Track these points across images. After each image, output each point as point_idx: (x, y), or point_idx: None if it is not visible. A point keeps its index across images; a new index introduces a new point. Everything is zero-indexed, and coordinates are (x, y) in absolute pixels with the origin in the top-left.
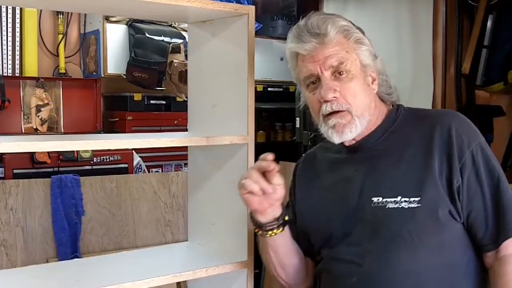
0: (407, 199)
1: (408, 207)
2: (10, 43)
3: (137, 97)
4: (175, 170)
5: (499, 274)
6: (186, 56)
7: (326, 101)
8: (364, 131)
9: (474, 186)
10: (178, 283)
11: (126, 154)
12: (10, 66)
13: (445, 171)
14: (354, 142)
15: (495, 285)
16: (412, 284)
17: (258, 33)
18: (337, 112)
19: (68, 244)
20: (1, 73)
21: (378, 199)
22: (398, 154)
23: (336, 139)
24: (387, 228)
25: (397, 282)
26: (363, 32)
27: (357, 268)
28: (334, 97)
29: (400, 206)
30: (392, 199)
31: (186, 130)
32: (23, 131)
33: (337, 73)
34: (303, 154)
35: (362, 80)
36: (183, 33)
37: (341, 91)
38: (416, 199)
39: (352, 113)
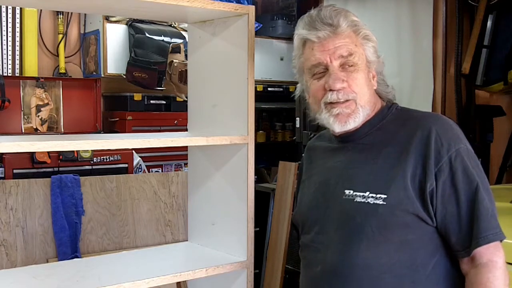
0: (374, 195)
1: (374, 203)
2: (10, 43)
3: (137, 97)
4: (175, 170)
5: (474, 282)
6: (186, 56)
7: (332, 90)
8: (360, 123)
9: (449, 192)
10: (178, 283)
11: (126, 154)
12: (10, 66)
13: (418, 174)
14: (345, 131)
15: None
16: (372, 278)
17: (258, 33)
18: (342, 102)
19: (68, 244)
20: (1, 73)
21: (349, 192)
22: (378, 151)
23: (337, 128)
24: (353, 220)
25: (357, 274)
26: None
27: (322, 257)
28: (342, 87)
29: (367, 201)
30: (361, 194)
31: (186, 130)
32: (23, 131)
33: (345, 65)
34: (306, 146)
35: (366, 74)
36: (183, 33)
37: (348, 81)
38: (383, 196)
39: (357, 102)
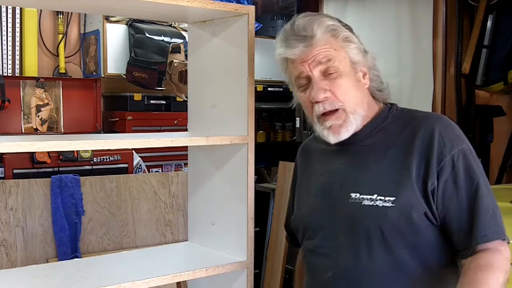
0: (382, 197)
1: (383, 205)
2: (10, 43)
3: (137, 97)
4: (175, 170)
5: (473, 261)
6: (186, 56)
7: (317, 102)
8: (355, 130)
9: (450, 191)
10: (178, 283)
11: (126, 154)
12: (10, 66)
13: (422, 173)
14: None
15: (463, 273)
16: (386, 281)
17: (258, 33)
18: (332, 112)
19: (68, 244)
20: (1, 73)
21: (356, 195)
22: (381, 152)
23: (332, 140)
24: (362, 224)
25: (370, 278)
26: (351, 29)
27: (332, 262)
28: (325, 97)
29: (375, 204)
30: (369, 196)
31: (186, 130)
32: (23, 131)
33: (327, 72)
34: (300, 146)
35: (352, 77)
36: (183, 33)
37: (331, 90)
38: (391, 198)
39: (346, 110)
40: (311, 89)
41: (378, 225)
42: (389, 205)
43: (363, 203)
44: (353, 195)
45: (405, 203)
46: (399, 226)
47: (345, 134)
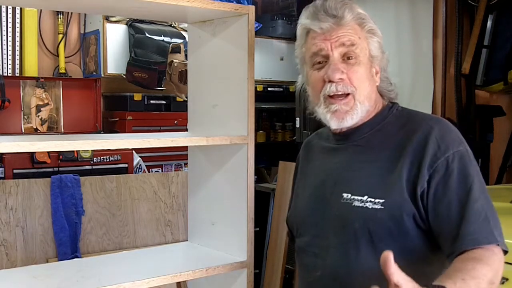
0: (372, 199)
1: (372, 207)
2: (10, 43)
3: (137, 97)
4: (175, 170)
5: (463, 256)
6: (186, 56)
7: (331, 82)
8: (358, 120)
9: (441, 192)
10: (178, 283)
11: (126, 154)
12: (10, 66)
13: (413, 175)
14: (344, 129)
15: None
16: (373, 283)
17: (258, 33)
18: (341, 97)
19: (68, 244)
20: (1, 73)
21: (347, 196)
22: (376, 153)
23: (334, 125)
24: (351, 225)
25: (357, 280)
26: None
27: (321, 262)
28: (341, 78)
29: (365, 206)
30: (359, 198)
31: (186, 130)
32: (23, 131)
33: (346, 57)
34: (304, 142)
35: (368, 69)
36: (183, 33)
37: (347, 73)
38: (381, 200)
39: (355, 97)
40: (327, 68)
41: (366, 227)
42: (378, 207)
43: (353, 204)
44: (345, 195)
45: (394, 205)
46: (387, 228)
47: (349, 121)
